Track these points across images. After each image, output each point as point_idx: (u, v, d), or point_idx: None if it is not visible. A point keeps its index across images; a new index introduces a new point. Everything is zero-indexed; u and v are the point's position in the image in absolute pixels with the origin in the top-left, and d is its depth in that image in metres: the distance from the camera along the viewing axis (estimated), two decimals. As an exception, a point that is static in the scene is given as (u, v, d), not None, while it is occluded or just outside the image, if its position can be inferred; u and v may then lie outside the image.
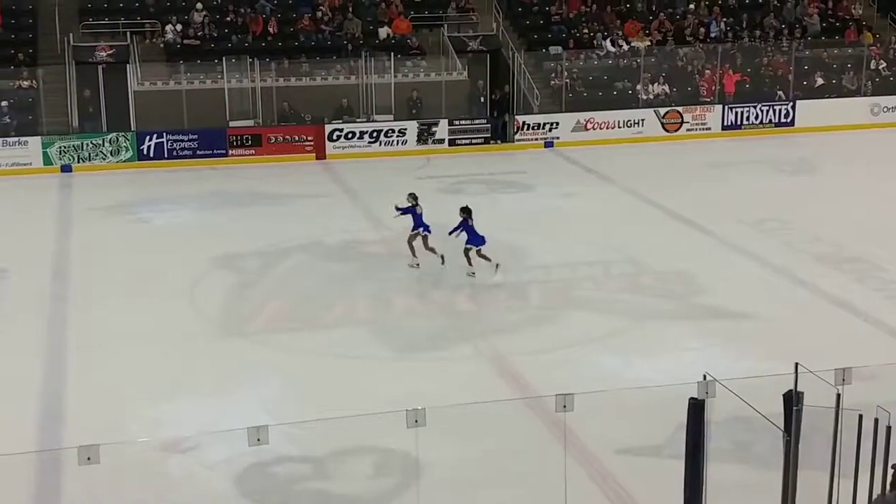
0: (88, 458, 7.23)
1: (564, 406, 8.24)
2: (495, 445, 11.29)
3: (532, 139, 29.41)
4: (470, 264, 17.60)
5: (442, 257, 17.94)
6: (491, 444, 11.28)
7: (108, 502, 10.16)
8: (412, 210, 18.06)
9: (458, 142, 28.97)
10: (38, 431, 12.30)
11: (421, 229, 18.03)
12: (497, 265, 17.48)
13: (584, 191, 24.54)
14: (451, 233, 17.67)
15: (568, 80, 30.49)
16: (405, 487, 10.42)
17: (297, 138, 27.95)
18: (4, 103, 26.74)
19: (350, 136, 28.24)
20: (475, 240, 17.57)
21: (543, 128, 29.49)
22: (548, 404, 9.63)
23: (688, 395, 8.31)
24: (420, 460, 9.40)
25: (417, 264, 18.08)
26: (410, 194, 18.25)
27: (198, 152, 27.26)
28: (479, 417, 11.14)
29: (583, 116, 29.68)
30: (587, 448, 11.12)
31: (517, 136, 29.33)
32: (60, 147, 26.32)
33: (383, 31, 30.67)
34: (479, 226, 17.63)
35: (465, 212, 17.57)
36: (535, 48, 31.46)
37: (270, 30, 30.05)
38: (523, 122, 29.38)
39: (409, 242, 18.16)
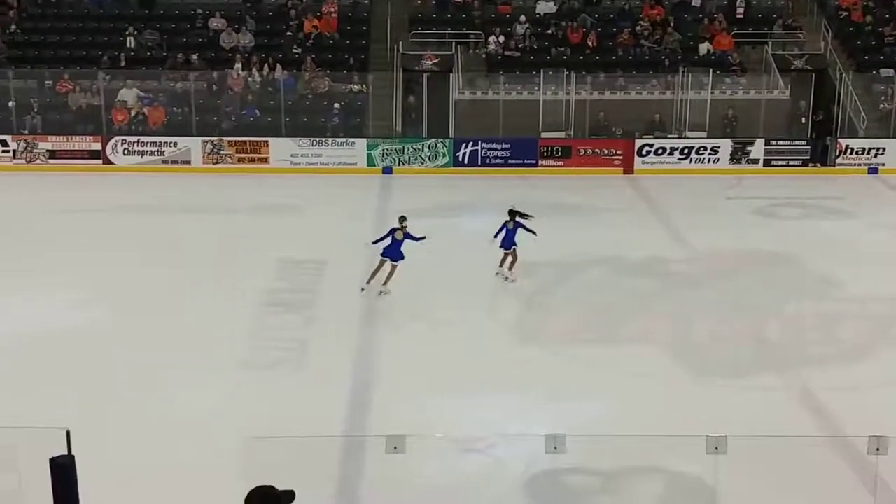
0: (395, 448, 7.57)
1: (878, 449, 7.77)
2: (796, 483, 10.78)
3: (855, 164, 27.87)
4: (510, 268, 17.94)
5: (381, 291, 17.22)
6: (791, 482, 10.78)
7: (405, 491, 10.59)
8: (391, 234, 17.22)
9: (774, 162, 27.94)
10: (346, 416, 13.01)
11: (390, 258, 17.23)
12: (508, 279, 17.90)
13: (909, 222, 22.98)
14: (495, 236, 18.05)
15: (899, 105, 28.66)
16: (697, 514, 10.19)
17: (606, 151, 27.98)
18: (336, 105, 28.50)
19: (660, 151, 27.93)
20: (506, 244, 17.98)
21: (868, 153, 27.87)
22: (858, 446, 9.10)
23: None
24: (716, 489, 9.15)
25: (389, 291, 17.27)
26: (400, 217, 17.56)
27: (509, 161, 27.90)
28: (780, 452, 10.68)
29: (914, 143, 27.79)
30: (898, 497, 10.41)
31: (839, 160, 27.91)
32: (384, 150, 27.76)
33: (703, 47, 30.10)
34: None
35: (513, 214, 17.94)
36: (864, 70, 29.79)
37: (590, 43, 30.26)
38: (846, 146, 27.90)
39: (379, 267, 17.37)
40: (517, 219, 18.11)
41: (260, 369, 14.55)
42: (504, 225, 18.09)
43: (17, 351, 14.85)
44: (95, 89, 28.53)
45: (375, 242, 17.41)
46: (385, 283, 17.07)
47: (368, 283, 17.11)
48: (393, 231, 17.16)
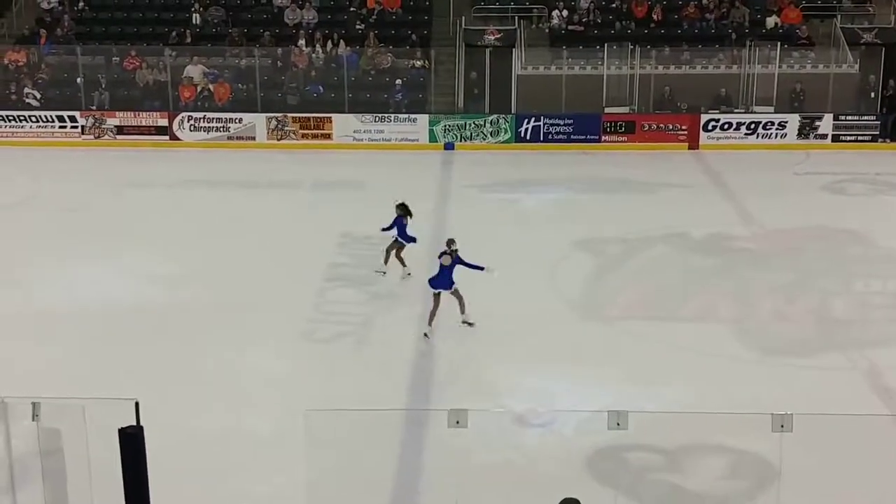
0: (457, 422, 7.60)
1: (948, 431, 7.61)
2: (863, 463, 10.63)
3: (927, 140, 27.24)
4: (386, 263, 16.89)
5: (408, 274, 16.91)
6: (858, 461, 10.63)
7: (467, 465, 10.63)
8: (398, 221, 16.85)
9: (843, 138, 27.41)
10: (407, 390, 13.10)
11: (402, 239, 16.87)
12: (409, 274, 16.71)
13: (983, 199, 22.43)
14: (383, 230, 16.88)
15: (973, 78, 27.93)
16: (760, 492, 10.10)
17: (670, 127, 27.65)
18: (399, 81, 28.51)
19: (726, 126, 27.53)
20: (405, 238, 16.76)
21: (940, 128, 27.22)
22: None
23: None
24: (781, 467, 9.05)
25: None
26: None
27: (572, 137, 27.69)
28: (848, 431, 10.51)
29: None
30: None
31: (909, 136, 27.29)
32: (445, 125, 27.73)
33: (771, 21, 29.57)
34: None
35: (402, 209, 16.71)
36: (937, 42, 29.06)
37: (655, 17, 29.87)
38: (918, 121, 27.28)
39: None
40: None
41: (323, 343, 14.69)
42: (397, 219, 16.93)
43: (89, 322, 15.17)
44: (162, 66, 28.87)
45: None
46: (462, 312, 14.91)
47: (430, 325, 14.65)
48: (440, 256, 14.89)
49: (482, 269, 14.81)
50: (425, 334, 14.58)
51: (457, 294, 14.79)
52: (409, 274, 17.00)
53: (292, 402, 11.61)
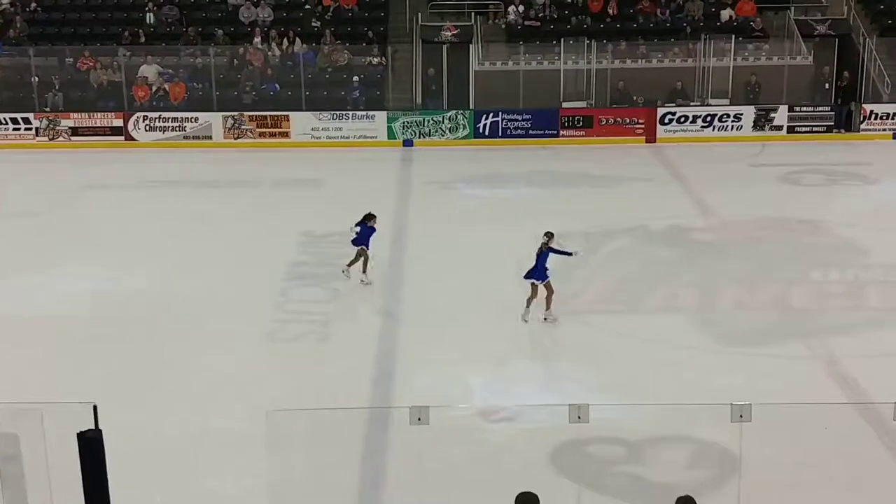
0: (419, 419, 7.58)
1: (904, 416, 7.72)
2: (822, 451, 10.74)
3: (879, 129, 27.59)
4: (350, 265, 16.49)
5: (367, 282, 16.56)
6: (817, 449, 10.74)
7: (429, 462, 10.62)
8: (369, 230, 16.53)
9: (798, 129, 27.70)
10: (370, 388, 13.06)
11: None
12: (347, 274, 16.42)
13: (936, 187, 22.77)
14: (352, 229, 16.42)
15: (924, 69, 28.33)
16: (722, 482, 10.17)
17: (627, 121, 27.81)
18: (356, 78, 28.43)
19: (682, 119, 27.73)
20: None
21: (893, 118, 27.60)
22: (884, 412, 9.06)
23: None
24: (741, 457, 9.12)
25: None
26: (369, 215, 16.61)
27: (530, 132, 27.77)
28: (806, 419, 10.63)
29: (939, 107, 27.49)
30: (925, 463, 10.37)
31: (863, 126, 27.62)
32: (404, 122, 27.70)
33: (725, 14, 29.82)
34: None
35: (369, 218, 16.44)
36: (888, 34, 29.40)
37: (610, 11, 30.01)
38: (870, 112, 27.61)
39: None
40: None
41: (284, 342, 14.62)
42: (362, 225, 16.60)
43: (47, 326, 14.98)
44: (116, 66, 28.59)
45: (353, 227, 16.51)
46: (548, 308, 14.94)
47: (527, 307, 14.86)
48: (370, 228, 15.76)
49: (571, 254, 15.13)
50: (525, 320, 14.76)
51: (548, 287, 14.84)
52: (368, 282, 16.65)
53: (255, 403, 11.52)
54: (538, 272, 14.88)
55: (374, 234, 16.62)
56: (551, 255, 14.92)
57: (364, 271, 16.62)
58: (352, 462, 10.85)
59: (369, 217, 16.64)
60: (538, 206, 21.72)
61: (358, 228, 16.54)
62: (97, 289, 16.57)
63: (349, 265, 16.65)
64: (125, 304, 15.89)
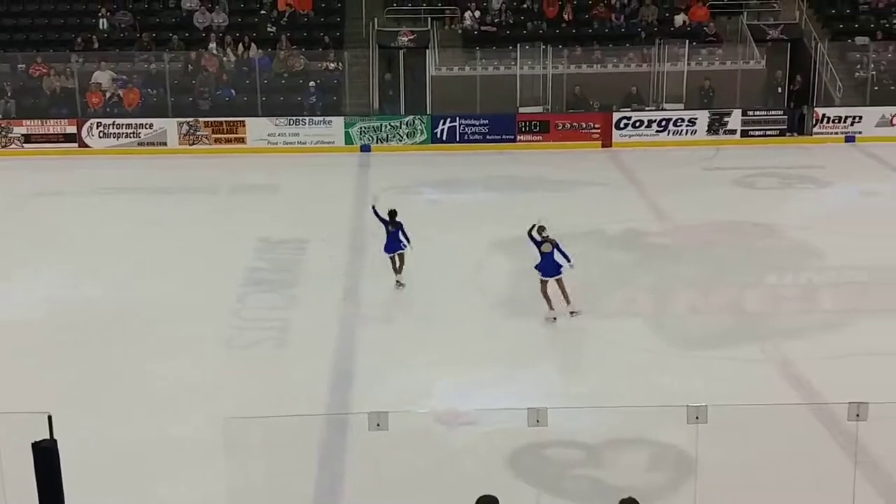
0: (378, 424, 7.58)
1: (858, 415, 7.84)
2: (778, 451, 10.87)
3: (832, 133, 27.95)
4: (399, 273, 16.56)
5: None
6: (773, 450, 10.86)
7: (389, 467, 10.61)
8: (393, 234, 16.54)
9: (752, 133, 28.00)
10: (328, 394, 13.03)
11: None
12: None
13: (886, 189, 23.11)
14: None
15: (874, 73, 28.74)
16: (680, 484, 10.26)
17: (584, 125, 27.96)
18: (312, 84, 28.33)
19: (638, 124, 27.93)
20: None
21: (845, 121, 27.97)
22: (838, 413, 9.19)
23: None
24: (698, 458, 9.21)
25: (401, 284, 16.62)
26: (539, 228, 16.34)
27: (488, 137, 27.82)
28: (762, 420, 10.75)
29: (889, 111, 27.88)
30: (879, 463, 10.51)
31: (815, 129, 27.99)
32: (361, 128, 27.64)
33: (679, 19, 30.10)
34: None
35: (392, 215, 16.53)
36: (839, 38, 29.84)
37: (566, 17, 30.18)
38: (823, 115, 27.99)
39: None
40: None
41: (242, 348, 14.54)
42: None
43: (0, 335, 14.80)
44: (69, 72, 28.25)
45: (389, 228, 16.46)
46: (567, 302, 15.15)
47: (551, 308, 15.06)
48: (539, 244, 15.17)
49: (569, 261, 15.13)
50: (553, 318, 15.01)
51: (560, 283, 15.02)
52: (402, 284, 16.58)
53: (213, 410, 11.47)
54: (549, 268, 15.05)
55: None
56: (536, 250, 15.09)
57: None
58: (310, 469, 10.82)
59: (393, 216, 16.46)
60: (496, 210, 21.78)
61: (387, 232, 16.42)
62: (52, 295, 16.38)
63: (398, 273, 16.53)
64: (80, 311, 15.72)
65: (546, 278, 15.13)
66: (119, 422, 12.05)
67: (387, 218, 16.62)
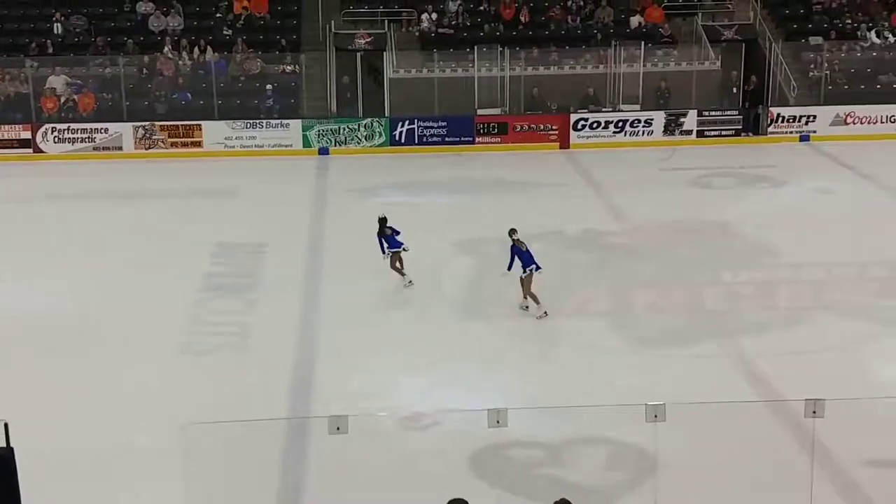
0: (338, 428, 7.56)
1: (814, 412, 7.93)
2: (736, 448, 10.97)
3: (786, 132, 28.27)
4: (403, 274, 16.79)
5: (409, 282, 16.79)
6: (731, 447, 10.97)
7: (350, 471, 10.59)
8: (389, 237, 16.80)
9: (707, 133, 28.25)
10: (289, 399, 12.97)
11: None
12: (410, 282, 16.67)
13: (840, 188, 23.39)
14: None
15: (828, 72, 29.11)
16: (640, 482, 10.32)
17: (542, 127, 28.06)
18: (269, 87, 28.19)
19: (595, 125, 28.07)
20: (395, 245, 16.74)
21: (799, 121, 28.30)
22: (795, 409, 9.30)
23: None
24: (657, 456, 9.28)
25: (410, 282, 16.78)
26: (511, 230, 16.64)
27: (446, 139, 27.84)
28: (720, 418, 10.85)
29: (843, 110, 28.25)
30: (835, 458, 10.64)
31: (770, 129, 28.29)
32: (319, 130, 27.55)
33: (634, 20, 30.30)
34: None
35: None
36: (793, 38, 30.20)
37: (522, 19, 30.28)
38: (777, 115, 28.30)
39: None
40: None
41: (201, 354, 14.43)
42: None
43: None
44: (23, 77, 27.93)
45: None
46: (524, 297, 15.56)
47: (538, 303, 15.37)
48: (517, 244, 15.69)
49: (510, 267, 15.53)
50: (545, 312, 15.25)
51: (528, 279, 15.36)
52: (411, 282, 16.74)
53: (172, 417, 11.37)
54: (529, 261, 15.37)
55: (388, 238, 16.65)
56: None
57: (402, 273, 16.69)
58: (271, 474, 10.76)
59: (383, 223, 16.69)
60: (455, 212, 21.81)
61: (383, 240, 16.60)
62: (8, 302, 16.17)
63: (403, 275, 16.67)
64: (37, 319, 15.52)
65: (534, 272, 15.34)
66: (77, 429, 11.91)
67: (386, 232, 16.71)
